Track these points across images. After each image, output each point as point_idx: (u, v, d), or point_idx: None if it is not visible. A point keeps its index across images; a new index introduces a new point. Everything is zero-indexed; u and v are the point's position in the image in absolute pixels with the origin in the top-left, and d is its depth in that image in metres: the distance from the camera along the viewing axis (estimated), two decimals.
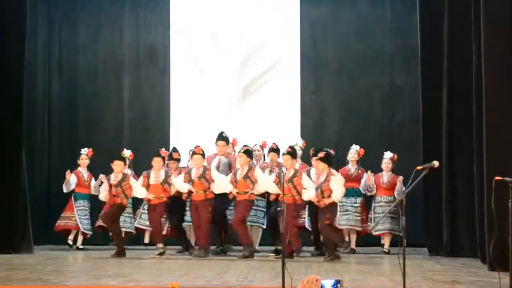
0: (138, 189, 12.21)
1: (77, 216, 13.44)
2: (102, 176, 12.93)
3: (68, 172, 13.42)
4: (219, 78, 15.11)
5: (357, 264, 11.29)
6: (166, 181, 12.09)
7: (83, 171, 13.60)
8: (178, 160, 12.81)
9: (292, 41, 15.04)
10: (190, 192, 12.00)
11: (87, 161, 13.63)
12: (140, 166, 13.77)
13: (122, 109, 15.19)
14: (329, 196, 11.35)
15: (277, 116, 14.88)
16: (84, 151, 13.67)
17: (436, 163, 9.27)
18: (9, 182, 12.24)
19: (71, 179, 13.42)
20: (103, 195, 12.42)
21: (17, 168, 12.36)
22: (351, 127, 14.62)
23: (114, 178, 12.24)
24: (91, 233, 13.68)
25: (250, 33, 15.13)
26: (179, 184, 12.02)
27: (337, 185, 11.40)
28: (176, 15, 15.29)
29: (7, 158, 12.30)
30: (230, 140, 13.27)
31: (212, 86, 15.10)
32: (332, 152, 11.86)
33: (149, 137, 14.96)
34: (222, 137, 12.65)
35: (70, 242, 13.56)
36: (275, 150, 12.50)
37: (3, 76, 12.34)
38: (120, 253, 12.08)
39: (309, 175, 11.73)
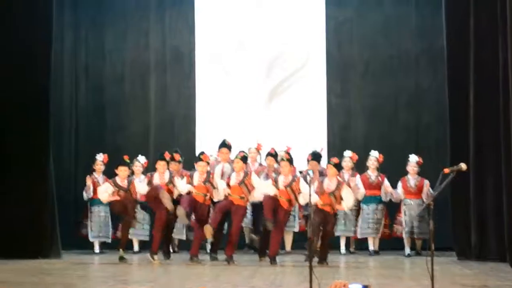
0: (142, 189, 12.20)
1: (94, 223, 13.54)
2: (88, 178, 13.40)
3: (88, 177, 13.53)
4: (244, 81, 15.11)
5: (384, 268, 11.23)
6: (171, 182, 12.16)
7: (98, 176, 13.65)
8: (179, 161, 12.75)
9: (318, 43, 14.99)
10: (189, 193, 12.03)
11: (102, 167, 13.67)
12: None
13: (149, 112, 15.22)
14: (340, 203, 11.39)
15: (303, 119, 14.82)
16: (100, 156, 13.69)
17: (463, 166, 9.23)
18: (36, 187, 12.29)
19: (91, 189, 13.49)
20: (105, 197, 12.26)
21: (45, 173, 12.41)
22: (377, 129, 14.54)
23: (121, 182, 12.18)
24: (109, 240, 13.74)
25: (276, 35, 15.10)
26: (181, 185, 12.04)
27: (349, 194, 11.40)
28: (201, 18, 15.31)
29: (34, 163, 12.36)
30: (255, 145, 13.27)
31: (237, 89, 15.11)
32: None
33: (175, 140, 14.95)
34: (225, 145, 12.63)
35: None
36: (273, 155, 12.59)
37: (30, 81, 12.40)
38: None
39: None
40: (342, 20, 14.99)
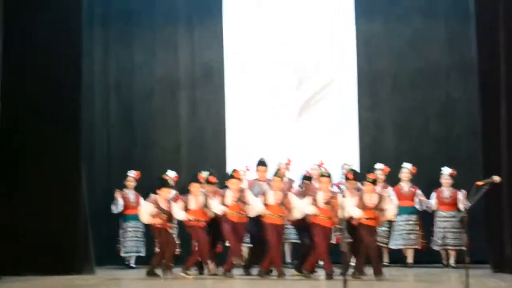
0: (179, 212, 12.12)
1: (125, 239, 13.62)
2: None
3: (117, 191, 13.65)
4: (274, 96, 15.10)
5: (418, 281, 11.18)
6: (205, 204, 12.07)
7: (129, 192, 13.81)
8: (214, 183, 12.54)
9: (348, 56, 14.97)
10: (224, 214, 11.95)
11: (133, 184, 13.89)
12: None
13: (179, 128, 15.26)
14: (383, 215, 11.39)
15: (334, 133, 14.78)
16: (132, 173, 13.92)
17: (497, 178, 9.23)
18: (69, 203, 12.34)
19: (119, 202, 13.66)
20: (146, 219, 12.23)
21: (77, 188, 12.47)
22: (408, 142, 14.48)
23: (164, 203, 12.11)
24: (143, 254, 13.81)
25: (306, 49, 15.09)
26: (216, 206, 11.97)
27: (389, 203, 11.47)
28: (230, 32, 15.34)
29: (67, 178, 12.41)
30: (285, 161, 13.26)
31: (267, 103, 15.10)
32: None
33: (205, 155, 14.98)
34: (262, 163, 12.62)
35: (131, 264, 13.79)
36: (309, 178, 12.31)
37: (61, 97, 12.47)
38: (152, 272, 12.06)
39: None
40: (371, 33, 14.95)
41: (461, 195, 12.79)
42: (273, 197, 11.70)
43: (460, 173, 13.07)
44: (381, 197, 11.39)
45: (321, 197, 11.49)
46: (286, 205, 11.65)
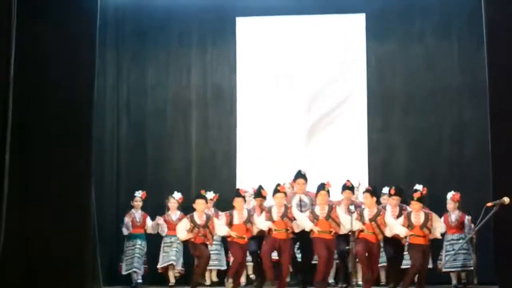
0: (220, 227, 12.18)
1: (127, 256, 13.69)
2: (158, 218, 13.56)
3: (128, 215, 13.82)
4: (285, 117, 15.09)
5: None
6: (249, 220, 12.10)
7: (135, 212, 13.91)
8: (265, 197, 12.69)
9: (359, 77, 14.96)
10: (270, 230, 11.96)
11: (140, 203, 13.98)
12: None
13: (190, 149, 15.24)
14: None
15: (344, 154, 14.74)
16: (139, 193, 14.02)
17: (506, 200, 9.15)
18: (78, 222, 12.29)
19: (130, 225, 13.78)
20: (183, 235, 12.24)
21: (87, 209, 12.44)
22: (419, 163, 14.42)
23: (199, 218, 12.17)
24: (141, 272, 13.84)
25: (317, 71, 15.09)
26: (261, 222, 11.99)
27: (438, 222, 11.67)
28: (242, 55, 15.36)
29: (76, 199, 12.39)
30: (289, 180, 13.28)
31: (278, 125, 15.09)
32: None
33: (216, 176, 14.98)
34: (301, 175, 12.58)
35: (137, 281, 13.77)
36: (350, 188, 12.53)
37: (72, 117, 12.46)
38: None
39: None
40: (383, 54, 14.94)
41: (466, 220, 12.75)
42: (319, 212, 11.77)
43: (472, 194, 12.98)
44: (428, 215, 11.53)
45: (366, 213, 11.61)
46: (334, 219, 11.69)
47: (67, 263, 12.06)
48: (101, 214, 13.71)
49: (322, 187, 12.05)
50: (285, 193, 12.07)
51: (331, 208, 11.83)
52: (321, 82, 15.07)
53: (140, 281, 13.80)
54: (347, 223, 11.66)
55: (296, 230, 11.94)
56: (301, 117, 15.05)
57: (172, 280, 13.76)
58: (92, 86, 12.72)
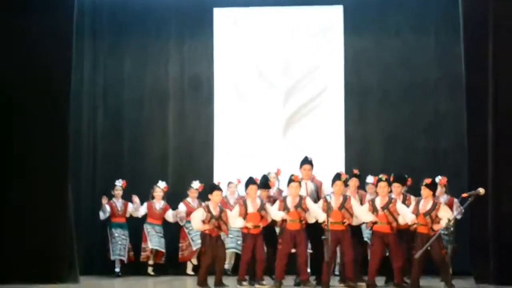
0: (235, 219, 11.94)
1: (114, 244, 13.74)
2: (178, 211, 13.92)
3: (104, 197, 13.81)
4: (263, 108, 15.13)
5: None
6: (263, 208, 11.87)
7: (117, 201, 14.01)
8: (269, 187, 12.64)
9: (336, 70, 15.03)
10: (283, 221, 11.72)
11: (121, 192, 14.09)
12: (184, 195, 13.93)
13: (167, 138, 15.24)
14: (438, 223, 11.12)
15: (320, 146, 14.77)
16: (119, 182, 14.14)
17: (482, 190, 9.25)
18: (55, 212, 12.32)
19: (107, 208, 13.79)
20: (200, 225, 11.92)
21: (63, 197, 12.46)
22: (395, 156, 14.50)
23: (214, 209, 11.91)
24: (125, 261, 13.95)
25: (294, 62, 15.15)
26: (274, 212, 11.76)
27: (446, 212, 11.18)
28: (220, 47, 15.36)
29: (53, 187, 12.41)
30: (275, 170, 13.32)
31: (256, 116, 15.13)
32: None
33: (193, 166, 15.01)
34: (307, 161, 12.35)
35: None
36: (357, 176, 12.33)
37: (49, 107, 12.49)
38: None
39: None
40: (360, 47, 15.02)
41: (455, 203, 12.77)
42: (334, 202, 11.49)
43: (448, 186, 13.06)
44: (435, 205, 11.29)
45: (378, 202, 11.50)
46: (348, 210, 11.51)
47: (44, 251, 12.10)
48: (78, 203, 13.73)
49: (338, 177, 11.81)
50: (299, 182, 11.76)
51: (346, 198, 11.60)
52: (298, 74, 15.13)
53: (117, 270, 13.81)
54: (361, 214, 11.56)
55: (310, 221, 11.68)
56: (278, 108, 15.11)
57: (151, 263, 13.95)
58: (69, 76, 12.73)
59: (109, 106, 15.31)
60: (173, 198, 14.26)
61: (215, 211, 11.82)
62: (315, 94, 15.08)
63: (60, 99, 12.62)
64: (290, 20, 15.25)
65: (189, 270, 14.09)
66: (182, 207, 13.96)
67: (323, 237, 10.87)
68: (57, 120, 12.55)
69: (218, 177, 14.47)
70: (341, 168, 14.20)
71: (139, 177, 14.43)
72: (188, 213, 13.56)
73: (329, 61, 15.09)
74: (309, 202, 11.66)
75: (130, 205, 14.05)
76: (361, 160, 14.59)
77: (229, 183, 13.91)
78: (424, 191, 11.40)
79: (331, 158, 14.64)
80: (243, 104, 15.22)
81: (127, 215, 14.11)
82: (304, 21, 15.22)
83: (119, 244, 13.82)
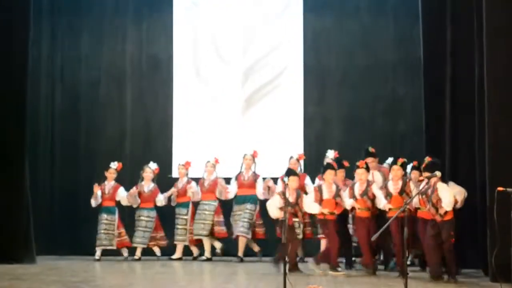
0: (312, 204, 11.44)
1: (98, 231, 13.50)
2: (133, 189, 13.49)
3: (96, 185, 13.53)
4: (222, 88, 15.09)
5: (361, 276, 11.14)
6: (338, 194, 11.45)
7: (107, 184, 13.66)
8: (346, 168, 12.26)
9: (295, 51, 15.02)
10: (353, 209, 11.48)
11: (114, 175, 13.69)
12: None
13: (125, 118, 15.14)
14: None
15: (280, 127, 14.83)
16: (114, 164, 13.72)
17: (438, 174, 9.41)
18: (12, 191, 12.26)
19: (98, 196, 13.52)
20: (277, 213, 11.36)
21: (20, 177, 12.40)
22: (354, 138, 14.52)
23: (291, 196, 11.39)
24: (114, 247, 13.63)
25: (253, 43, 15.12)
26: (346, 200, 11.42)
27: (444, 192, 10.37)
28: (179, 26, 15.28)
29: (10, 167, 12.32)
30: (251, 152, 13.36)
31: (215, 96, 15.08)
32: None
33: (151, 146, 14.96)
34: (369, 153, 12.28)
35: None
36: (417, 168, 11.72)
37: (7, 86, 12.40)
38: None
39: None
40: (319, 29, 15.04)
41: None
42: (393, 188, 11.18)
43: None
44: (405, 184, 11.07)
45: (391, 186, 11.19)
46: (408, 194, 11.03)
47: (0, 232, 12.00)
48: (35, 183, 13.62)
49: (329, 166, 11.62)
50: (368, 168, 11.47)
51: (405, 183, 11.13)
52: (257, 54, 15.10)
53: (97, 257, 13.49)
54: (380, 200, 11.19)
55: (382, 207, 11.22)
56: (237, 89, 15.09)
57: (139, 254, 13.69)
58: (26, 55, 12.61)
59: (67, 85, 15.19)
60: (130, 179, 14.10)
61: (292, 198, 11.47)
62: (275, 74, 15.08)
63: (17, 78, 12.54)
64: (250, 0, 15.21)
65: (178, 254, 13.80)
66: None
67: (281, 218, 10.85)
68: (14, 100, 12.45)
69: (176, 158, 14.48)
70: (300, 149, 14.27)
71: (96, 156, 14.31)
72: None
73: (288, 42, 15.08)
74: (375, 189, 11.34)
75: (121, 189, 13.61)
76: (320, 141, 14.65)
77: (207, 162, 13.69)
78: (397, 171, 11.16)
79: (290, 139, 14.68)
80: (202, 84, 15.17)
81: (118, 198, 13.69)
82: (264, 0, 15.19)
83: (103, 233, 13.41)
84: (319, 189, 11.50)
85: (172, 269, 12.25)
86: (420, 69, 12.80)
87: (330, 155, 12.96)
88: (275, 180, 13.14)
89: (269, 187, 13.18)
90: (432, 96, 12.40)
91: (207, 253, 13.48)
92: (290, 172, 11.61)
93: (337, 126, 14.89)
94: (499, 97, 10.20)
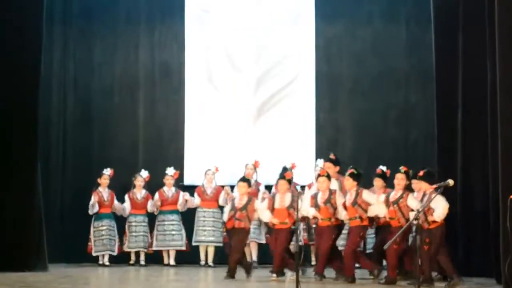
0: (263, 212, 11.44)
1: (96, 238, 13.58)
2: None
3: (94, 193, 13.63)
4: (234, 96, 15.10)
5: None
6: (292, 205, 11.13)
7: (103, 190, 13.75)
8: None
9: (307, 58, 15.01)
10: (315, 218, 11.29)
11: (107, 181, 13.81)
12: (154, 183, 13.85)
13: (137, 126, 15.19)
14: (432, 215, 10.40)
15: (291, 134, 14.81)
16: (107, 171, 13.85)
17: (451, 182, 9.29)
18: (24, 199, 12.26)
19: (96, 206, 13.63)
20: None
21: (32, 185, 12.39)
22: (365, 145, 14.54)
23: (239, 201, 11.51)
24: (114, 253, 13.81)
25: (265, 50, 15.13)
26: (305, 208, 11.23)
27: (439, 203, 10.30)
28: (191, 33, 15.31)
29: (22, 175, 12.33)
30: (253, 162, 13.36)
31: (227, 104, 15.09)
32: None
33: (163, 154, 14.97)
34: (329, 159, 12.18)
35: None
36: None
37: (19, 94, 12.39)
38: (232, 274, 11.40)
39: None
40: (331, 36, 15.03)
41: None
42: (347, 199, 11.08)
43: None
44: (402, 194, 10.87)
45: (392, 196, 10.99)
46: (361, 206, 10.91)
47: (13, 240, 12.01)
48: (47, 191, 13.64)
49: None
50: (328, 176, 11.22)
51: (358, 193, 10.96)
52: (269, 62, 15.11)
53: (101, 262, 13.71)
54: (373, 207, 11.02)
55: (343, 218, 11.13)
56: (249, 96, 15.09)
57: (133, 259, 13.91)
58: (39, 64, 12.62)
59: (79, 93, 15.25)
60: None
61: (239, 203, 11.55)
62: (286, 82, 15.07)
63: (29, 86, 12.52)
64: (262, 8, 15.23)
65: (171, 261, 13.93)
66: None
67: (293, 227, 10.80)
68: (26, 108, 12.45)
69: (188, 165, 14.49)
70: (312, 157, 14.24)
71: (108, 166, 14.29)
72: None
73: (301, 49, 15.06)
74: (338, 197, 11.19)
75: (115, 199, 13.84)
76: (331, 149, 14.59)
77: (207, 170, 13.79)
78: (422, 184, 10.86)
79: (302, 147, 14.65)
80: (214, 92, 15.17)
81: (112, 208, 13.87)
82: (275, 8, 15.20)
83: (103, 239, 13.60)
84: (272, 198, 11.51)
85: (182, 277, 12.19)
86: (432, 76, 12.75)
87: (320, 164, 12.84)
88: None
89: (228, 194, 13.25)
90: (444, 103, 12.34)
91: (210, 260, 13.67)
92: (241, 179, 11.73)
93: (349, 133, 14.87)
94: (511, 101, 10.13)
